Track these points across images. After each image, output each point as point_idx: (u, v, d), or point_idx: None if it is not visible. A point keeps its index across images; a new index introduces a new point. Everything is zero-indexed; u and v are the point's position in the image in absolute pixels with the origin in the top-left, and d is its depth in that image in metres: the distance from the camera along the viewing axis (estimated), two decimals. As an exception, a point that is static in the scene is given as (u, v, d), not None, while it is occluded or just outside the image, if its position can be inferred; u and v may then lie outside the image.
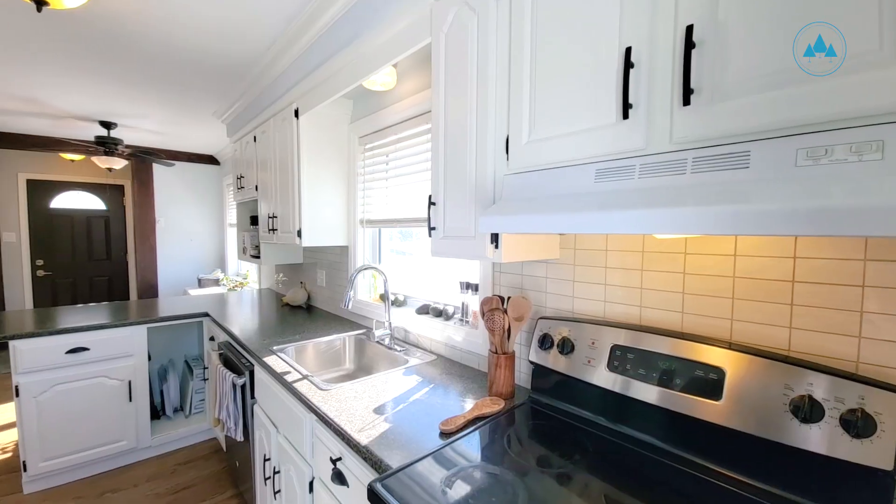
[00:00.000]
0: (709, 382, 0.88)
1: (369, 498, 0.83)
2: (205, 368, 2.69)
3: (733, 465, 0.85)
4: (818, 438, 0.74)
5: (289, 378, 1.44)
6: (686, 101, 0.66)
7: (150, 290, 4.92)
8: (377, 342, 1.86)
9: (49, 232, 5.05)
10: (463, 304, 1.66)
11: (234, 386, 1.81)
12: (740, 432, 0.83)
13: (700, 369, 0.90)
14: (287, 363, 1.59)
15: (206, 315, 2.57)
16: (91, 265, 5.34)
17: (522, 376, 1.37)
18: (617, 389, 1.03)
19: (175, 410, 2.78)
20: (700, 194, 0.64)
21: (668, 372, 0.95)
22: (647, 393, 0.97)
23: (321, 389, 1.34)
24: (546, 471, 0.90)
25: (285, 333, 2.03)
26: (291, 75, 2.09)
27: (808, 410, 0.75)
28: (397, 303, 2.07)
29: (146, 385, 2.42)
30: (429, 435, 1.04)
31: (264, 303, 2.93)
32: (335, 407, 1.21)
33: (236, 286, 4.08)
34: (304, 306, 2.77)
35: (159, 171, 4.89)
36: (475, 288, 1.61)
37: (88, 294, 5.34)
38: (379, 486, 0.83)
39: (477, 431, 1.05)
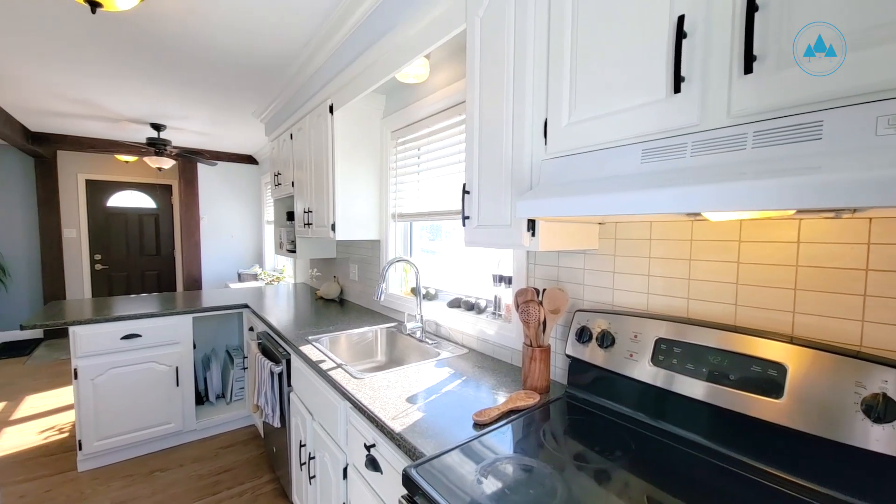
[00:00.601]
0: (767, 379, 0.81)
1: (404, 483, 0.83)
2: (244, 358, 2.80)
3: (791, 467, 0.78)
4: (892, 439, 0.66)
5: (324, 367, 1.46)
6: (748, 69, 0.61)
7: (194, 285, 5.19)
8: (408, 335, 1.86)
9: (106, 229, 5.43)
10: (496, 297, 1.64)
11: (272, 374, 1.87)
12: (802, 433, 0.76)
13: (757, 365, 0.83)
14: (322, 352, 1.63)
15: (246, 306, 2.67)
16: (143, 260, 5.70)
17: (558, 371, 1.33)
18: (660, 384, 0.97)
19: (217, 397, 2.91)
20: (762, 170, 0.58)
21: (720, 367, 0.88)
22: (695, 389, 0.91)
23: (355, 378, 1.35)
24: (584, 466, 0.86)
25: (320, 325, 2.07)
26: (326, 71, 2.14)
27: (883, 410, 0.67)
28: (429, 296, 2.07)
29: (191, 371, 2.54)
30: (462, 425, 1.03)
31: (299, 296, 3.01)
32: (369, 395, 1.22)
33: (273, 280, 4.23)
34: (337, 300, 2.82)
35: (203, 171, 5.15)
36: (508, 281, 1.58)
37: (140, 287, 5.70)
38: (413, 472, 0.82)
39: (511, 424, 1.03)
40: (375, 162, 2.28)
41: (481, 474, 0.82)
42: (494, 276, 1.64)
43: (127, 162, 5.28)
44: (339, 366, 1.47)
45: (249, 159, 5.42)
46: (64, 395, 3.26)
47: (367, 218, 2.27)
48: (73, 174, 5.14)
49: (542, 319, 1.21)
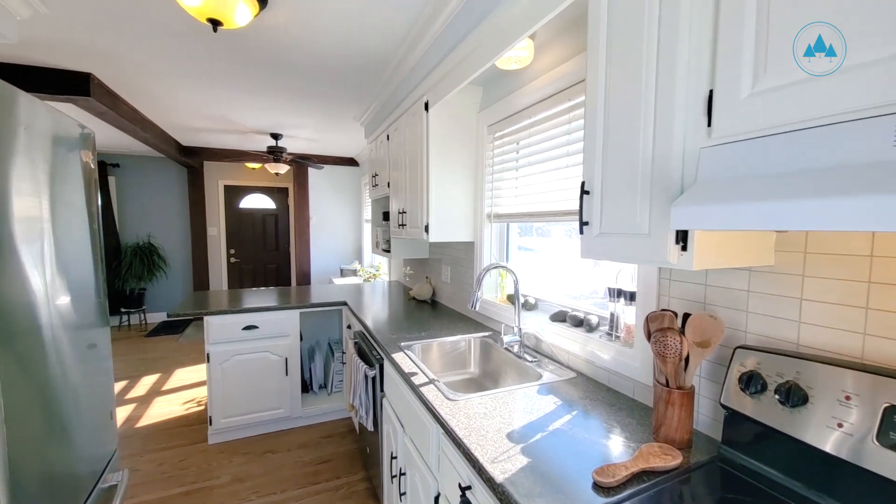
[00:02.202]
0: None
1: (509, 561, 0.67)
2: (343, 353, 2.92)
3: None
4: None
5: (416, 381, 1.37)
6: None
7: (304, 278, 5.71)
8: (506, 349, 1.69)
9: (238, 227, 6.28)
10: (612, 315, 1.37)
11: (366, 377, 1.87)
12: None
13: None
14: (414, 362, 1.55)
15: (345, 304, 2.77)
16: (265, 254, 6.47)
17: (703, 419, 1.04)
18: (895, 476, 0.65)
19: (320, 387, 3.10)
20: None
21: None
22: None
23: (448, 399, 1.23)
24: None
25: (412, 329, 2.02)
26: (422, 67, 2.06)
27: None
28: (527, 306, 1.88)
29: (298, 362, 2.73)
30: (579, 484, 0.83)
31: (393, 295, 3.04)
32: (464, 424, 1.08)
33: (370, 277, 4.42)
34: (429, 301, 2.78)
35: (313, 174, 5.62)
36: (630, 297, 1.31)
37: (263, 278, 6.49)
38: (522, 551, 0.65)
39: (647, 496, 0.79)
40: (471, 159, 2.14)
41: (614, 571, 0.61)
42: (611, 290, 1.37)
43: (253, 169, 6.02)
44: (431, 381, 1.37)
45: (351, 161, 5.76)
46: (204, 371, 3.80)
47: (461, 219, 2.15)
48: (215, 180, 6.03)
49: (683, 354, 0.94)
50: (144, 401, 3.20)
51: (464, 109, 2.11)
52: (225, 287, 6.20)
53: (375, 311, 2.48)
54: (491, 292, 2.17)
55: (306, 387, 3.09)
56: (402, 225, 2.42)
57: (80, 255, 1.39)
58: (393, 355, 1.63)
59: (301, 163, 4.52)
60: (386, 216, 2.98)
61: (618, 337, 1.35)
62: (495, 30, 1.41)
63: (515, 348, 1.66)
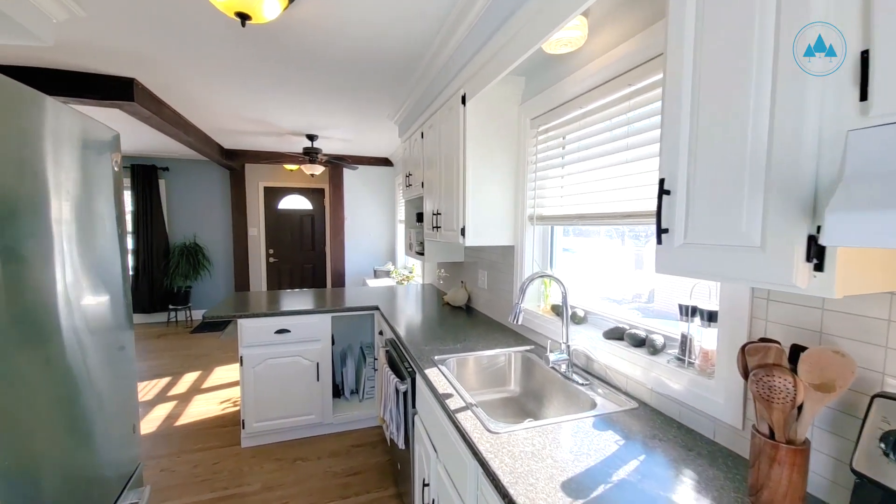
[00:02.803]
0: None
1: None
2: (374, 359, 2.83)
3: None
4: None
5: (451, 404, 1.22)
6: None
7: (339, 278, 5.73)
8: (552, 368, 1.50)
9: (277, 227, 6.42)
10: (685, 336, 1.16)
11: (397, 391, 1.74)
12: None
13: None
14: (448, 381, 1.40)
15: (377, 308, 2.67)
16: (302, 254, 6.57)
17: (818, 480, 0.81)
18: None
19: (351, 392, 3.03)
20: None
21: None
22: None
23: (489, 431, 1.07)
24: None
25: (446, 339, 1.87)
26: (460, 57, 1.91)
27: None
28: (576, 319, 1.68)
29: (329, 367, 2.66)
30: (661, 567, 0.64)
31: (426, 299, 2.92)
32: (508, 466, 0.91)
33: (403, 279, 4.33)
34: (464, 307, 2.63)
35: (347, 175, 5.63)
36: (707, 316, 1.09)
37: (300, 277, 6.59)
38: None
39: None
40: (511, 156, 1.97)
41: None
42: (683, 307, 1.16)
43: (291, 170, 6.11)
44: (468, 406, 1.21)
45: (385, 162, 5.72)
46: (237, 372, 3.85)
47: (500, 221, 1.98)
48: (256, 182, 6.19)
49: (798, 401, 0.73)
50: (185, 398, 3.27)
51: (504, 102, 1.94)
52: (264, 286, 6.35)
53: (408, 317, 2.36)
54: (532, 301, 1.99)
55: (338, 391, 3.02)
56: (437, 227, 2.28)
57: (107, 258, 1.35)
58: (426, 371, 1.49)
59: (335, 163, 4.51)
60: (420, 217, 2.86)
61: (691, 363, 1.14)
62: (543, 7, 1.24)
63: (563, 367, 1.47)
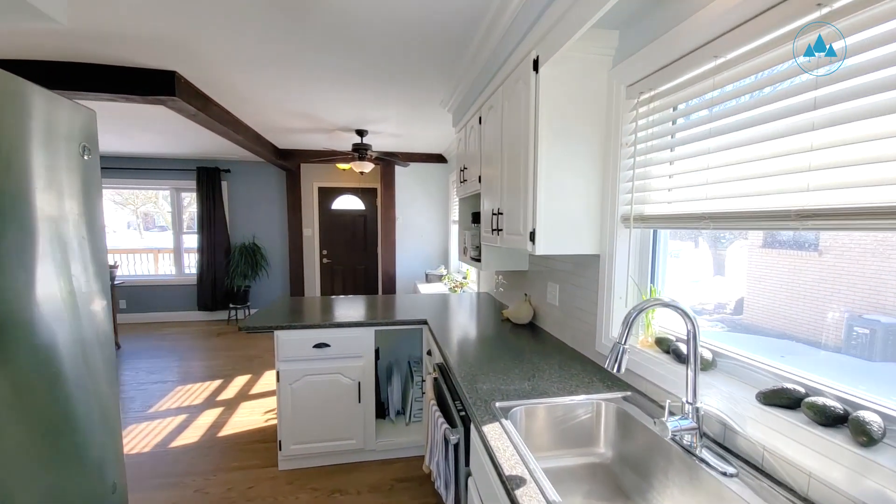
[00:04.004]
0: None
1: None
2: (422, 381, 2.48)
3: None
4: None
5: (521, 496, 0.82)
6: None
7: (390, 282, 5.51)
8: (672, 440, 1.03)
9: (330, 228, 6.37)
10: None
11: (447, 441, 1.36)
12: None
13: None
14: (516, 448, 0.99)
15: (425, 323, 2.32)
16: (354, 256, 6.47)
17: None
18: None
19: (397, 413, 2.72)
20: None
21: None
22: None
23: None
24: None
25: (510, 374, 1.46)
26: (529, 12, 1.49)
27: None
28: (703, 364, 1.18)
29: (373, 387, 2.36)
30: None
31: (482, 313, 2.52)
32: None
33: (456, 287, 3.96)
34: (527, 325, 2.19)
35: (399, 173, 5.38)
36: None
37: (353, 279, 6.50)
38: None
39: None
40: (597, 138, 1.50)
41: None
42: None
43: (343, 169, 6.00)
44: (551, 506, 0.79)
45: (439, 158, 5.40)
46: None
47: (582, 223, 1.52)
48: (310, 182, 6.18)
49: None
50: (231, 405, 3.17)
51: (589, 66, 1.48)
52: (317, 287, 6.34)
53: (461, 335, 1.98)
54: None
55: (382, 410, 2.72)
56: (497, 230, 1.87)
57: (64, 266, 1.11)
58: (484, 428, 1.09)
59: (386, 160, 4.26)
60: (476, 218, 2.46)
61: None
62: None
63: (687, 439, 1.00)
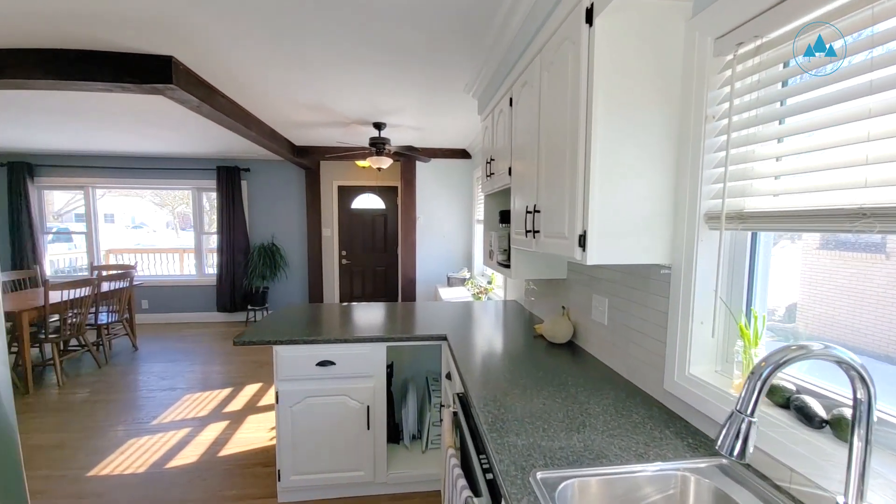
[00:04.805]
0: None
1: None
2: (441, 406, 2.16)
3: None
4: None
5: None
6: None
7: (409, 285, 5.22)
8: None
9: (350, 228, 6.16)
10: None
11: (468, 510, 1.03)
12: None
13: None
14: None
15: (444, 339, 2.00)
16: (374, 257, 6.23)
17: None
18: None
19: (413, 438, 2.40)
20: None
21: None
22: None
23: None
24: None
25: (551, 421, 1.12)
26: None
27: None
28: (836, 424, 0.80)
29: (384, 411, 2.06)
30: None
31: (511, 327, 2.17)
32: None
33: (480, 293, 3.62)
34: (565, 344, 1.83)
35: (420, 170, 5.09)
36: None
37: (372, 281, 6.26)
38: None
39: None
40: (671, 109, 1.14)
41: None
42: None
43: (363, 167, 5.77)
44: None
45: (462, 154, 5.06)
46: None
47: (649, 223, 1.16)
48: (330, 181, 5.99)
49: None
50: (238, 418, 2.95)
51: (659, 15, 1.12)
52: (336, 289, 6.14)
53: (486, 357, 1.64)
54: (706, 361, 1.13)
55: (396, 433, 2.42)
56: (532, 231, 1.53)
57: None
58: (522, 518, 0.76)
59: (405, 155, 3.97)
60: (505, 217, 2.12)
61: None
62: None
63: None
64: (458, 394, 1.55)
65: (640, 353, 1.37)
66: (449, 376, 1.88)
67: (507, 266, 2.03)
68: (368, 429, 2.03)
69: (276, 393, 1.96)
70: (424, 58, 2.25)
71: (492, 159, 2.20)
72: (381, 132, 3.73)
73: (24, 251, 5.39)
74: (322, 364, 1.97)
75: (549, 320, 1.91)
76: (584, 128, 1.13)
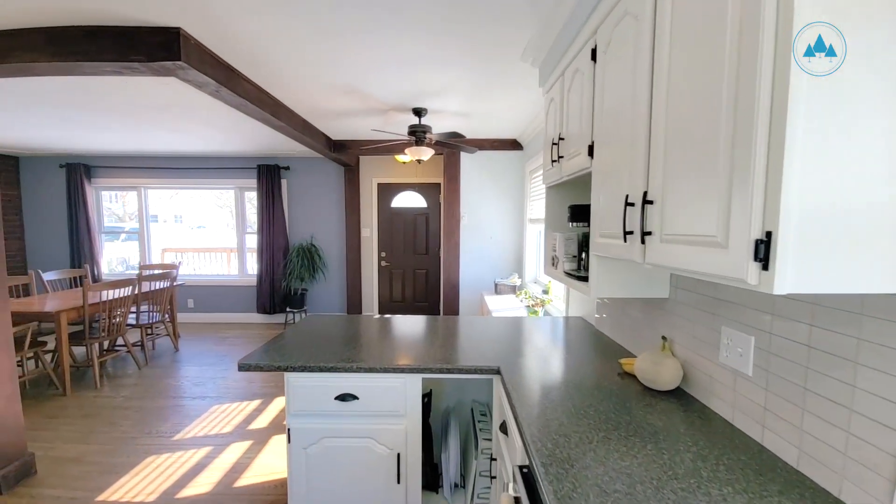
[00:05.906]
0: None
1: None
2: (492, 460, 1.68)
3: None
4: None
5: None
6: None
7: (452, 290, 4.78)
8: None
9: (389, 228, 5.84)
10: None
11: None
12: None
13: None
14: None
15: (497, 372, 1.53)
16: (415, 258, 5.87)
17: None
18: None
19: (454, 487, 1.95)
20: None
21: None
22: None
23: None
24: None
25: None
26: None
27: None
28: None
29: (419, 458, 1.63)
30: None
31: (583, 357, 1.66)
32: None
33: (535, 305, 3.09)
34: (672, 391, 1.30)
35: (465, 165, 4.63)
36: None
37: (412, 284, 5.90)
38: None
39: None
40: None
41: None
42: None
43: (404, 163, 5.41)
44: None
45: (513, 144, 4.54)
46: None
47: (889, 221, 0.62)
48: (370, 178, 5.70)
49: None
50: (261, 438, 2.67)
51: None
52: (375, 291, 5.84)
53: (559, 409, 1.15)
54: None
55: (434, 479, 1.98)
56: (641, 233, 1.01)
57: None
58: None
59: (448, 145, 3.53)
60: (578, 214, 1.60)
61: None
62: None
63: None
64: (520, 466, 1.08)
65: (828, 435, 0.82)
66: (504, 428, 1.41)
67: (583, 279, 1.51)
68: (399, 482, 1.60)
69: (288, 430, 1.59)
70: (473, 8, 1.79)
71: (560, 139, 1.70)
72: (422, 119, 3.32)
73: (81, 250, 5.58)
74: (342, 398, 1.57)
75: (645, 357, 1.38)
76: (772, 58, 0.62)
